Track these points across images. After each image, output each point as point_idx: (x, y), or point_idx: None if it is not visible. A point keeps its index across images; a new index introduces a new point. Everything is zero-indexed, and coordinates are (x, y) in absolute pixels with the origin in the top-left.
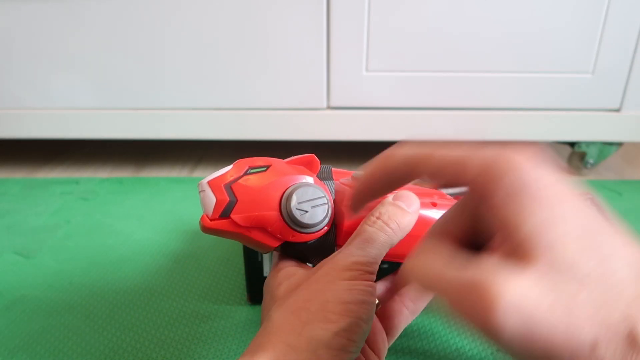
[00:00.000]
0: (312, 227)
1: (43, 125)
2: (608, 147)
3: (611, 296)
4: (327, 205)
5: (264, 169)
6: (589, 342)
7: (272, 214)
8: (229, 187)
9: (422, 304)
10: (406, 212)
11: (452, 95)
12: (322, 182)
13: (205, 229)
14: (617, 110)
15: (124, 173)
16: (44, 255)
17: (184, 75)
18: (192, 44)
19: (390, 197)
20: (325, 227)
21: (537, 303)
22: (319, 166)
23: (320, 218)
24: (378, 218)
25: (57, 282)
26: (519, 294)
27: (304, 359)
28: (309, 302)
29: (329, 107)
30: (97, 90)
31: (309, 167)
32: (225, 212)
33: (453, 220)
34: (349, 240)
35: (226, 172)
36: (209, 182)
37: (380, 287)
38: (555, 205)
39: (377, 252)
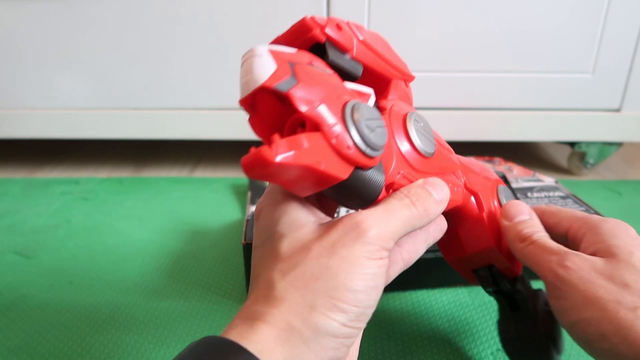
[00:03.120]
0: (376, 150)
1: (43, 125)
2: (608, 147)
3: None
4: (385, 130)
5: (329, 72)
6: (631, 306)
7: (335, 116)
8: (292, 65)
9: (415, 256)
10: (435, 201)
11: (452, 95)
12: None
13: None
14: (617, 110)
15: (124, 173)
16: (44, 255)
17: (184, 75)
18: (193, 44)
19: (420, 180)
20: (379, 158)
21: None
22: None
23: (384, 141)
24: (406, 196)
25: (57, 282)
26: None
27: (307, 346)
28: (317, 281)
29: None
30: (98, 90)
31: (361, 100)
32: (284, 86)
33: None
34: (370, 207)
35: (290, 52)
36: (270, 50)
37: None
38: (634, 239)
39: (398, 228)
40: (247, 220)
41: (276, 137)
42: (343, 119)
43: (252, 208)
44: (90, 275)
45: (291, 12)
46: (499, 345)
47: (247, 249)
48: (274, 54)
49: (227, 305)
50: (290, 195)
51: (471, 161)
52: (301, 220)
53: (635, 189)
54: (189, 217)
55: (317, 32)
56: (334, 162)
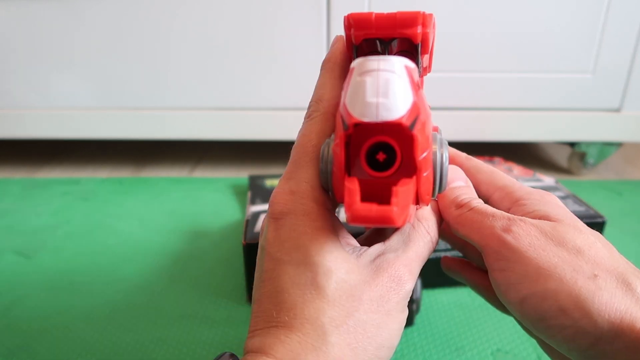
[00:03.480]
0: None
1: (43, 125)
2: (608, 147)
3: (599, 258)
4: None
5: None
6: (589, 274)
7: (429, 170)
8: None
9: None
10: (433, 241)
11: (452, 95)
12: None
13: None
14: (617, 110)
15: (124, 173)
16: (44, 255)
17: (184, 75)
18: (193, 44)
19: (428, 209)
20: None
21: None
22: None
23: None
24: (428, 233)
25: (57, 282)
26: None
27: None
28: (368, 339)
29: None
30: (97, 90)
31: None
32: (413, 125)
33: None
34: (398, 241)
35: (412, 67)
36: (406, 67)
37: None
38: (564, 208)
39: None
40: (247, 221)
41: (397, 192)
42: (434, 166)
43: (252, 208)
44: (90, 275)
45: (291, 11)
46: (499, 345)
47: (247, 249)
48: (410, 75)
49: (227, 306)
50: (323, 207)
51: None
52: (344, 254)
53: (635, 189)
54: (189, 217)
55: (418, 30)
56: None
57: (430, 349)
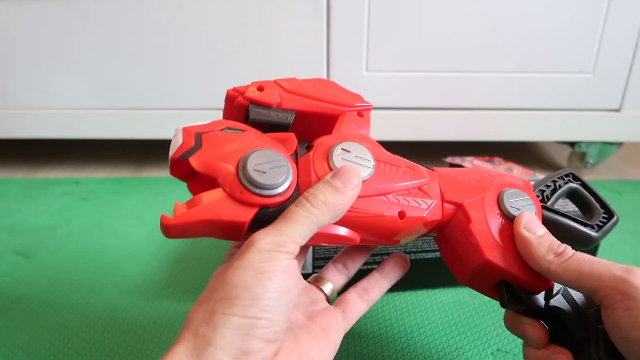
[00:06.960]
0: (271, 189)
1: (43, 125)
2: (608, 147)
3: None
4: (286, 168)
5: (240, 131)
6: None
7: (229, 168)
8: (199, 136)
9: (376, 294)
10: (339, 190)
11: (452, 95)
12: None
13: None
14: (617, 110)
15: (124, 173)
16: (44, 255)
17: (184, 75)
18: (193, 44)
19: (329, 174)
20: (287, 192)
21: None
22: (296, 146)
23: (280, 180)
24: (305, 198)
25: (57, 282)
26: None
27: (213, 345)
28: (216, 291)
29: None
30: (97, 90)
31: (285, 145)
32: (185, 155)
33: None
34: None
35: (203, 124)
36: (183, 128)
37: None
38: None
39: (296, 231)
40: None
41: (175, 202)
42: (236, 168)
43: None
44: (90, 275)
45: (291, 12)
46: (499, 345)
47: None
48: (185, 130)
49: None
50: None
51: (461, 171)
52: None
53: (635, 189)
54: None
55: (239, 98)
56: (233, 208)
57: (430, 349)
